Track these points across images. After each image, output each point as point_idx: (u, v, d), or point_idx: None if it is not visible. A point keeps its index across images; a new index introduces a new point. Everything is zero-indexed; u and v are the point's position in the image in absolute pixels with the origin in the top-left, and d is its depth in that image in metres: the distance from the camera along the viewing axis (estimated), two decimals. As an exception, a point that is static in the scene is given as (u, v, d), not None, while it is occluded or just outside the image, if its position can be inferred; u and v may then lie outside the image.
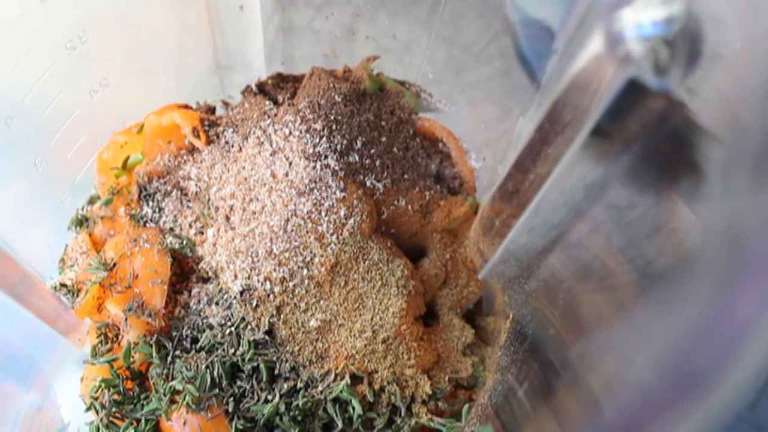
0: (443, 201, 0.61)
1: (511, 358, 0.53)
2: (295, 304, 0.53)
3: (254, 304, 0.53)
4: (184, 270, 0.58)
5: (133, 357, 0.53)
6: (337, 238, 0.53)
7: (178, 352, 0.53)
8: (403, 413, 0.52)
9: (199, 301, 0.55)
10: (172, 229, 0.58)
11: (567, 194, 0.42)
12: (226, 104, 0.71)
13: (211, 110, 0.68)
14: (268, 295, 0.53)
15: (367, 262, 0.54)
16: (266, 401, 0.51)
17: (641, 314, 0.34)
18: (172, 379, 0.52)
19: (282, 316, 0.53)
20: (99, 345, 0.56)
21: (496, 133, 0.63)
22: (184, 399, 0.50)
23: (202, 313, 0.54)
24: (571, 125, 0.38)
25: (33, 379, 0.58)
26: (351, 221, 0.54)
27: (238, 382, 0.52)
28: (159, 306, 0.54)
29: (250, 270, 0.53)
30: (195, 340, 0.54)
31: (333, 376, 0.52)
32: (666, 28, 0.29)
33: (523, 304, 0.53)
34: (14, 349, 0.58)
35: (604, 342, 0.38)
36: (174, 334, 0.54)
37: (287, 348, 0.52)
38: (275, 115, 0.58)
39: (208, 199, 0.57)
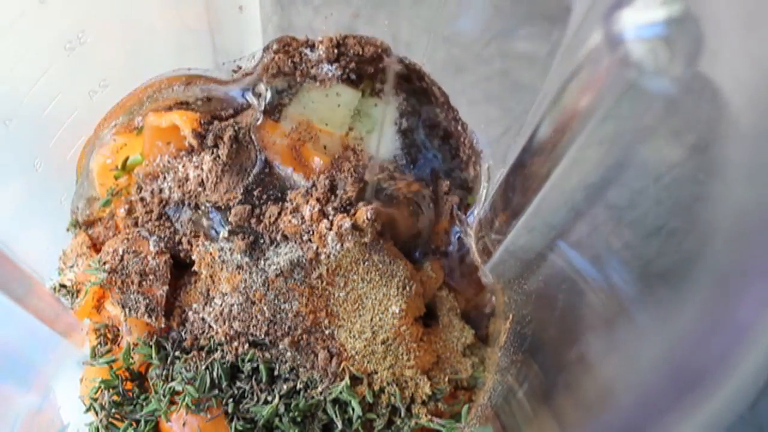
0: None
1: (510, 358, 0.53)
2: (294, 304, 0.53)
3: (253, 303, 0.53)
4: (183, 270, 0.57)
5: (132, 358, 0.53)
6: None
7: (177, 353, 0.53)
8: (402, 414, 0.52)
9: (198, 301, 0.55)
10: (172, 228, 0.58)
11: (567, 194, 0.42)
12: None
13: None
14: (266, 294, 0.53)
15: (366, 263, 0.54)
16: (266, 402, 0.51)
17: (641, 315, 0.34)
18: (172, 380, 0.52)
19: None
20: (98, 346, 0.56)
21: (496, 133, 0.62)
22: (184, 400, 0.50)
23: (201, 314, 0.54)
24: (571, 126, 0.37)
25: (32, 380, 0.58)
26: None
27: (238, 383, 0.51)
28: (158, 307, 0.53)
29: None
30: (194, 341, 0.53)
31: (332, 377, 0.52)
32: (666, 29, 0.29)
33: (522, 304, 0.53)
34: (13, 350, 0.58)
35: (604, 343, 0.38)
36: (173, 334, 0.54)
37: (287, 349, 0.52)
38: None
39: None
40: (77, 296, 0.57)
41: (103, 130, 0.62)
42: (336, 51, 0.62)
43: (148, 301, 0.53)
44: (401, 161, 0.62)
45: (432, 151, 0.64)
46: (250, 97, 0.64)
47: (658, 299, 0.33)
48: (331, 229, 0.53)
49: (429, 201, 0.61)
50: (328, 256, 0.53)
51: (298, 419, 0.50)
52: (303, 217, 0.54)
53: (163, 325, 0.54)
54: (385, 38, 0.63)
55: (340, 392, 0.51)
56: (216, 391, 0.51)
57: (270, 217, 0.55)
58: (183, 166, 0.59)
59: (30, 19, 0.48)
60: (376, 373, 0.53)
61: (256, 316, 0.52)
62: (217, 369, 0.51)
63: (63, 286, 0.58)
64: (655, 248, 0.35)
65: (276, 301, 0.53)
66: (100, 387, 0.52)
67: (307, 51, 0.63)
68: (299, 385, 0.51)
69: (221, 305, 0.53)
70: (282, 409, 0.50)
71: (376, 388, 0.52)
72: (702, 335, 0.25)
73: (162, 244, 0.56)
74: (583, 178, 0.40)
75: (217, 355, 0.52)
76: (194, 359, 0.52)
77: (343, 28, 0.63)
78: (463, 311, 0.61)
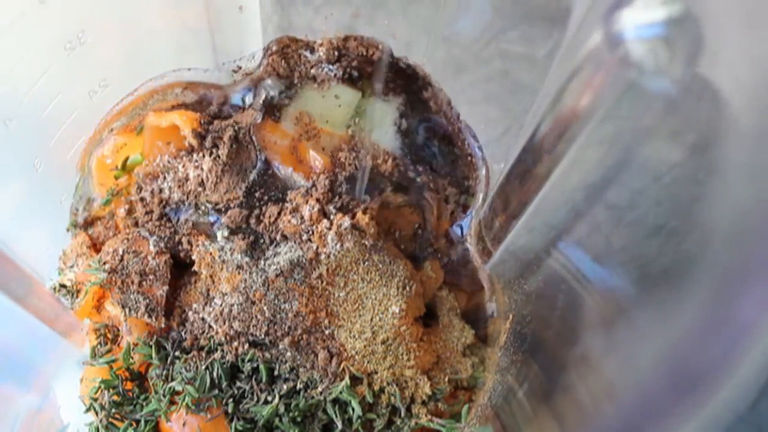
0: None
1: (511, 358, 0.53)
2: (294, 304, 0.53)
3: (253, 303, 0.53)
4: (183, 270, 0.57)
5: (132, 358, 0.53)
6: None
7: (177, 353, 0.53)
8: (402, 414, 0.52)
9: (198, 301, 0.55)
10: (172, 228, 0.58)
11: (567, 194, 0.42)
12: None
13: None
14: (266, 294, 0.53)
15: (366, 263, 0.54)
16: (266, 402, 0.51)
17: (641, 315, 0.34)
18: (172, 380, 0.52)
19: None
20: (98, 346, 0.56)
21: (496, 133, 0.63)
22: (184, 400, 0.50)
23: (201, 314, 0.54)
24: (571, 126, 0.37)
25: (32, 380, 0.58)
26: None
27: (238, 383, 0.51)
28: (158, 307, 0.53)
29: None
30: (194, 341, 0.53)
31: (332, 377, 0.52)
32: (666, 29, 0.29)
33: (523, 304, 0.53)
34: (13, 350, 0.58)
35: (604, 343, 0.38)
36: (173, 334, 0.54)
37: (287, 349, 0.52)
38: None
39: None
40: (77, 296, 0.57)
41: (104, 133, 0.62)
42: (336, 52, 0.62)
43: (148, 301, 0.53)
44: (401, 160, 0.62)
45: (432, 152, 0.64)
46: (250, 98, 0.64)
47: (658, 299, 0.33)
48: (330, 229, 0.53)
49: (429, 201, 0.61)
50: (328, 256, 0.53)
51: (298, 419, 0.50)
52: (302, 217, 0.54)
53: (163, 325, 0.54)
54: (385, 38, 0.63)
55: (340, 392, 0.51)
56: (216, 391, 0.51)
57: (270, 217, 0.55)
58: (183, 166, 0.59)
59: (30, 19, 0.48)
60: (376, 373, 0.53)
61: (256, 316, 0.52)
62: (217, 369, 0.51)
63: (63, 286, 0.58)
64: (655, 248, 0.35)
65: (276, 301, 0.53)
66: (100, 387, 0.52)
67: (307, 52, 0.63)
68: (299, 385, 0.51)
69: (221, 305, 0.53)
70: (282, 409, 0.50)
71: (376, 388, 0.52)
72: (702, 335, 0.25)
73: (162, 244, 0.56)
74: (583, 178, 0.40)
75: (217, 355, 0.52)
76: (194, 359, 0.52)
77: (343, 28, 0.63)
78: (463, 311, 0.61)
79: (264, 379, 0.51)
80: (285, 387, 0.51)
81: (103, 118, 0.61)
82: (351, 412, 0.51)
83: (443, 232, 0.62)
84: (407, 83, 0.64)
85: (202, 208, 0.57)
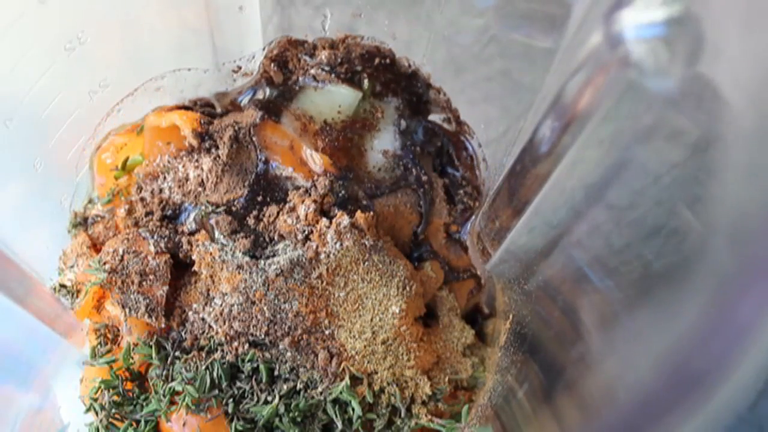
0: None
1: (511, 358, 0.53)
2: (294, 304, 0.53)
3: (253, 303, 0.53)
4: (183, 270, 0.57)
5: (132, 358, 0.53)
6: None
7: (177, 353, 0.53)
8: (402, 414, 0.52)
9: (198, 301, 0.55)
10: (172, 228, 0.58)
11: (567, 194, 0.42)
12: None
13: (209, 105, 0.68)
14: (266, 294, 0.53)
15: (366, 263, 0.54)
16: (266, 402, 0.51)
17: (641, 315, 0.34)
18: (172, 380, 0.52)
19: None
20: (98, 346, 0.56)
21: (496, 133, 0.63)
22: (184, 400, 0.50)
23: (201, 314, 0.54)
24: (571, 126, 0.37)
25: (32, 380, 0.58)
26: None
27: (238, 383, 0.51)
28: (159, 306, 0.53)
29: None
30: (194, 341, 0.53)
31: (332, 377, 0.52)
32: (666, 29, 0.29)
33: (523, 304, 0.53)
34: (14, 351, 0.58)
35: (604, 343, 0.38)
36: (173, 334, 0.54)
37: (287, 349, 0.52)
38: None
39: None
40: (77, 296, 0.57)
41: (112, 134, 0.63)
42: (336, 53, 0.62)
43: (148, 301, 0.53)
44: (401, 160, 0.62)
45: (431, 152, 0.64)
46: (250, 98, 0.64)
47: (658, 299, 0.33)
48: (330, 227, 0.53)
49: (428, 201, 0.61)
50: (328, 256, 0.53)
51: (298, 419, 0.50)
52: (298, 217, 0.54)
53: (163, 325, 0.54)
54: (385, 38, 0.63)
55: (340, 392, 0.51)
56: (216, 391, 0.51)
57: (269, 216, 0.55)
58: (183, 166, 0.59)
59: (30, 19, 0.48)
60: (376, 373, 0.53)
61: (256, 316, 0.52)
62: (217, 369, 0.51)
63: (63, 286, 0.58)
64: (655, 248, 0.35)
65: (276, 301, 0.53)
66: (100, 387, 0.52)
67: (306, 56, 0.63)
68: (299, 385, 0.51)
69: (221, 305, 0.53)
70: (282, 409, 0.50)
71: (376, 388, 0.52)
72: (702, 335, 0.25)
73: (162, 244, 0.56)
74: (583, 178, 0.40)
75: (217, 355, 0.52)
76: (194, 359, 0.52)
77: (344, 28, 0.63)
78: (463, 311, 0.61)
79: (264, 379, 0.51)
80: (285, 387, 0.51)
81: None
82: (351, 412, 0.51)
83: (443, 232, 0.62)
84: (407, 84, 0.64)
85: (203, 208, 0.57)
